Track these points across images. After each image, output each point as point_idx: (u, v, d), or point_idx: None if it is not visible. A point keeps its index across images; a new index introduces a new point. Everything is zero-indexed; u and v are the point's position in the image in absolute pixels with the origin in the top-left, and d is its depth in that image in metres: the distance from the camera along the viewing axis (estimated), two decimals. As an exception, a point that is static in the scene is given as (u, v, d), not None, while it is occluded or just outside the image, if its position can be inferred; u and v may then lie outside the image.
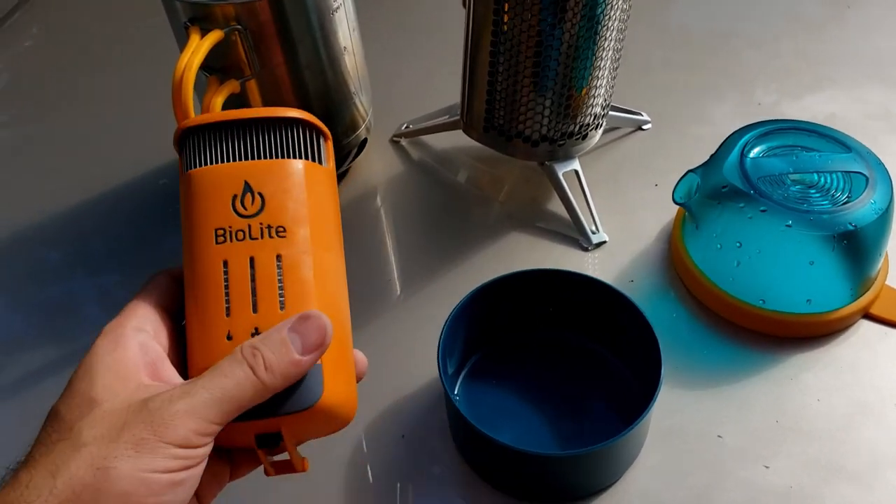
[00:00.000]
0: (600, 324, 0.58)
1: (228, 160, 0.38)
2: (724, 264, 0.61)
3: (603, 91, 0.66)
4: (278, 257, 0.37)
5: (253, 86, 0.65)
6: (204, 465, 0.35)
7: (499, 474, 0.53)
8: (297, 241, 0.37)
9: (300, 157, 0.39)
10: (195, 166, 0.39)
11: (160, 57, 0.94)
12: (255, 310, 0.36)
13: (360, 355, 0.40)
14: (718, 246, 0.61)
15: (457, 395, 0.57)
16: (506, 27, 0.62)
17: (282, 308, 0.37)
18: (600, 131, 0.70)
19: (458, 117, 0.72)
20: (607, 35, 0.62)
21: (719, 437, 0.56)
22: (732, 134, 0.63)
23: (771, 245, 0.58)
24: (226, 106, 0.62)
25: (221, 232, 0.37)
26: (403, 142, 0.81)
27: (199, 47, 0.58)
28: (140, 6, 1.02)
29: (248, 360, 0.35)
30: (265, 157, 0.39)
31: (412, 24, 0.98)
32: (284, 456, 0.38)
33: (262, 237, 0.37)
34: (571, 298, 0.58)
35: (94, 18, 1.04)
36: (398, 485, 0.55)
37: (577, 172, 0.69)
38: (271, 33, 0.63)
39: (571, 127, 0.66)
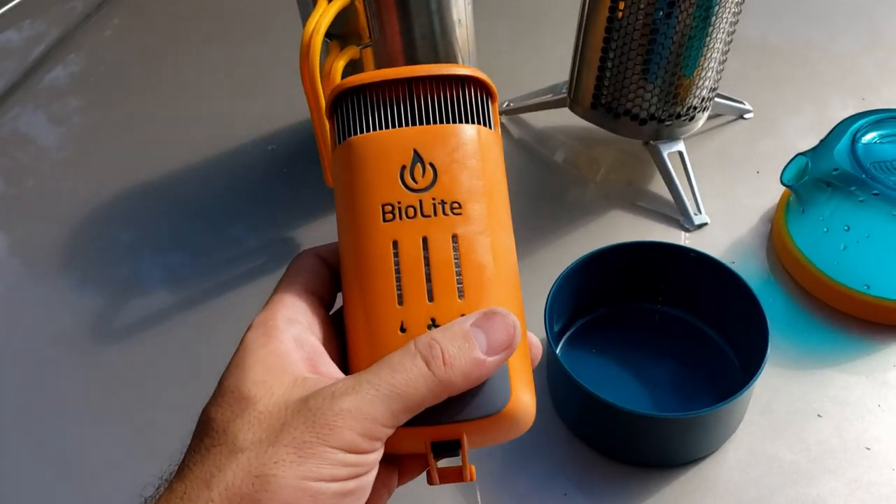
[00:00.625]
0: (704, 299, 0.59)
1: (393, 125, 0.34)
2: (829, 248, 0.61)
3: (712, 74, 0.67)
4: (454, 237, 0.33)
5: (368, 53, 0.67)
6: (375, 473, 0.31)
7: (596, 434, 0.54)
8: (473, 218, 0.33)
9: (471, 122, 0.35)
10: (355, 132, 0.34)
11: (216, 53, 0.98)
12: (430, 298, 0.32)
13: (534, 339, 0.35)
14: (825, 229, 0.61)
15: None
16: (620, 14, 0.63)
17: (461, 296, 0.33)
18: (706, 114, 0.70)
19: (562, 95, 0.73)
20: (722, 16, 0.62)
21: (819, 416, 0.56)
22: (844, 120, 0.63)
23: (881, 229, 0.58)
24: (344, 73, 0.64)
25: (389, 208, 0.33)
26: (503, 119, 0.82)
27: (327, 11, 0.60)
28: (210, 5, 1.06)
29: (424, 353, 0.30)
30: (434, 122, 0.34)
31: (523, 2, 0.99)
32: (452, 461, 0.33)
33: (434, 214, 0.33)
34: (678, 273, 0.58)
35: (172, 9, 1.08)
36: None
37: (681, 154, 0.70)
38: (391, 2, 0.65)
39: (678, 108, 0.67)
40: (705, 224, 0.69)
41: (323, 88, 0.62)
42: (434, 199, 0.33)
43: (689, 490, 0.53)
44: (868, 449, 0.54)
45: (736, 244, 0.68)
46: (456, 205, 0.33)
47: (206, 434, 0.30)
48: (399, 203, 0.33)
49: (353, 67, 0.66)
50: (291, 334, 0.32)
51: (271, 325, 0.32)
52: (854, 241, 0.59)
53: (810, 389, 0.58)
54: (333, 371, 0.33)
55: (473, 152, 0.34)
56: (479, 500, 0.54)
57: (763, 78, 0.85)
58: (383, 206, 0.33)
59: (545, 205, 0.73)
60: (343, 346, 0.34)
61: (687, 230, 0.69)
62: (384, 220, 0.33)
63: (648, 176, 0.74)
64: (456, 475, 0.34)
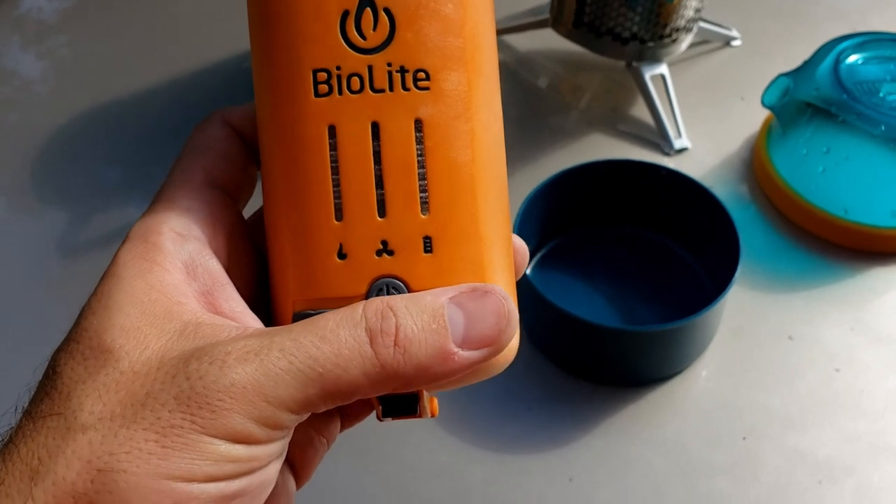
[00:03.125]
0: (677, 219, 0.58)
1: None
2: (808, 171, 0.60)
3: (696, -6, 0.65)
4: (418, 123, 0.24)
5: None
6: (277, 466, 0.23)
7: (566, 353, 0.54)
8: (447, 95, 0.25)
9: None
10: None
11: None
12: (381, 211, 0.24)
13: (519, 243, 0.27)
14: (804, 151, 0.60)
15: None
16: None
17: (424, 210, 0.24)
18: (690, 36, 0.69)
19: (545, 16, 0.72)
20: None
21: (790, 338, 0.56)
22: (828, 42, 0.62)
23: (860, 151, 0.57)
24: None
25: (324, 77, 0.24)
26: (486, 43, 0.80)
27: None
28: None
29: (371, 324, 0.22)
30: None
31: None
32: None
33: (390, 88, 0.24)
34: (649, 191, 0.58)
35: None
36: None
37: (663, 76, 0.68)
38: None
39: (662, 30, 0.66)
40: (685, 149, 0.68)
41: None
42: (390, 64, 0.24)
43: (658, 407, 0.53)
44: (837, 371, 0.54)
45: (717, 169, 0.67)
46: (422, 74, 0.24)
47: (46, 394, 0.22)
48: (339, 69, 0.24)
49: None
50: (181, 258, 0.24)
51: (153, 242, 0.24)
52: (833, 164, 0.58)
53: (783, 313, 0.57)
54: (239, 309, 0.24)
55: None
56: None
57: (753, 5, 0.83)
58: (315, 72, 0.24)
59: (525, 129, 0.72)
60: (263, 268, 0.26)
61: (667, 154, 0.68)
62: (317, 95, 0.24)
63: (633, 102, 0.73)
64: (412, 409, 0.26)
